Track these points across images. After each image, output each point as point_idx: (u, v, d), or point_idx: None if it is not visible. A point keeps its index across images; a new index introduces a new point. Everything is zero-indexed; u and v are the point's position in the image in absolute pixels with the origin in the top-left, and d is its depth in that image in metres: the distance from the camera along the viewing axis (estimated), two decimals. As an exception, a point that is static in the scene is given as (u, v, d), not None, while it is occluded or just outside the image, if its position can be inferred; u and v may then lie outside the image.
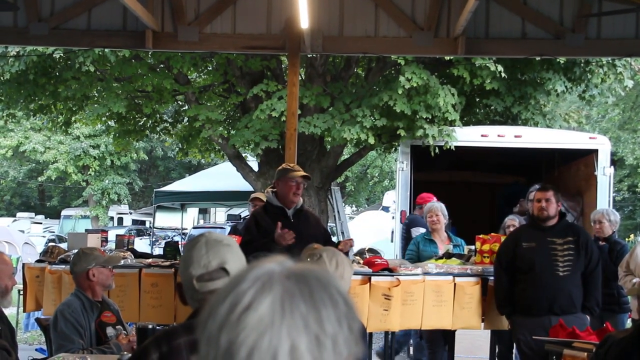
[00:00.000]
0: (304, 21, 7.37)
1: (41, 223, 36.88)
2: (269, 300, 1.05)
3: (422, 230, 8.13)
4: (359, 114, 11.19)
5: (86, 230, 11.36)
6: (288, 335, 1.02)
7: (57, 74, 12.79)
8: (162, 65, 12.77)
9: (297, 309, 1.04)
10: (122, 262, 5.90)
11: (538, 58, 11.04)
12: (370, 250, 7.19)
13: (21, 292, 7.68)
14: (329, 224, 14.77)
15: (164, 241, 15.54)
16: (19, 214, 38.53)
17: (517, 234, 6.46)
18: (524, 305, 6.09)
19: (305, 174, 6.13)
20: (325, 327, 1.04)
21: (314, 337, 1.03)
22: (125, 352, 4.27)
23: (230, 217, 28.96)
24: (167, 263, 6.50)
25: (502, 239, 6.81)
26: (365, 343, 6.22)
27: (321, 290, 1.07)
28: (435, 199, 8.44)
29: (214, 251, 2.63)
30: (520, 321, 6.09)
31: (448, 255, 7.05)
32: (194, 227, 28.98)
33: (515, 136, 10.85)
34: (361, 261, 6.52)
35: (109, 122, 15.08)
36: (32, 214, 38.98)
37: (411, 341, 9.27)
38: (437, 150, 11.11)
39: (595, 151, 10.59)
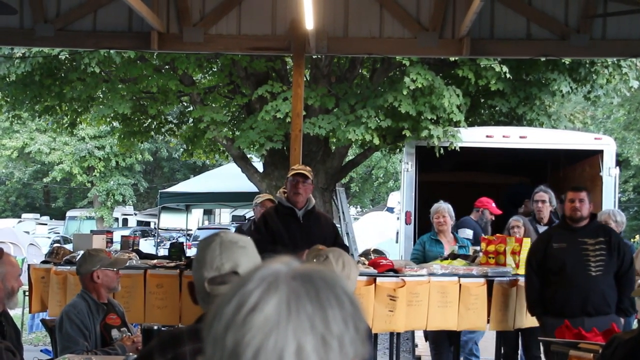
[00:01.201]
0: (309, 22, 7.37)
1: (46, 224, 36.97)
2: (275, 300, 1.05)
3: (469, 232, 8.18)
4: (364, 114, 11.19)
5: (91, 231, 11.39)
6: (294, 335, 1.02)
7: (63, 75, 12.82)
8: (167, 67, 12.79)
9: (303, 309, 1.04)
10: (127, 263, 5.91)
11: (543, 59, 11.02)
12: (376, 251, 7.18)
13: (26, 293, 7.69)
14: (333, 225, 14.73)
15: (169, 242, 15.57)
16: (24, 215, 38.64)
17: (548, 235, 6.40)
18: (555, 306, 6.01)
19: (299, 171, 6.10)
20: (331, 327, 1.04)
21: (320, 338, 1.03)
22: (131, 353, 4.28)
23: (235, 218, 29.02)
24: (172, 264, 6.51)
25: (507, 239, 6.80)
26: (371, 344, 6.21)
27: (327, 290, 1.07)
28: (493, 203, 8.52)
29: (228, 253, 2.51)
30: (552, 322, 5.93)
31: (453, 256, 7.03)
32: (198, 228, 29.06)
33: (520, 137, 10.83)
34: (366, 262, 6.51)
35: (114, 123, 15.12)
36: (37, 215, 39.07)
37: (417, 342, 9.26)
38: (442, 151, 11.10)
39: (601, 152, 10.57)
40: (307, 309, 1.04)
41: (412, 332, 9.27)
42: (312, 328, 1.03)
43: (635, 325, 7.25)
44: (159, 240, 23.32)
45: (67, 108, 13.87)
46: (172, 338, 2.53)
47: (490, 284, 6.46)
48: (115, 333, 4.81)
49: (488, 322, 6.56)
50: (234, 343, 1.04)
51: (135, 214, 37.60)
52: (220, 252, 2.52)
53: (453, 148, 11.01)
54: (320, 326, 1.03)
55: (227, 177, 18.19)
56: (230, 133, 13.03)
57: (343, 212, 14.84)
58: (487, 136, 10.97)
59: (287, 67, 12.79)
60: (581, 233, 6.08)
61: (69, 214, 36.40)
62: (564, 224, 6.31)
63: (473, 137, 11.11)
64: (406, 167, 10.77)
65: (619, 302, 6.01)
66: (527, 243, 6.70)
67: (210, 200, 19.77)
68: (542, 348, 6.50)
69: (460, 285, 6.36)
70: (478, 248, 7.12)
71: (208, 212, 38.04)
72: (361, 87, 12.23)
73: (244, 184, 14.89)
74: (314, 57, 10.99)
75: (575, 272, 5.98)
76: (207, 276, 2.51)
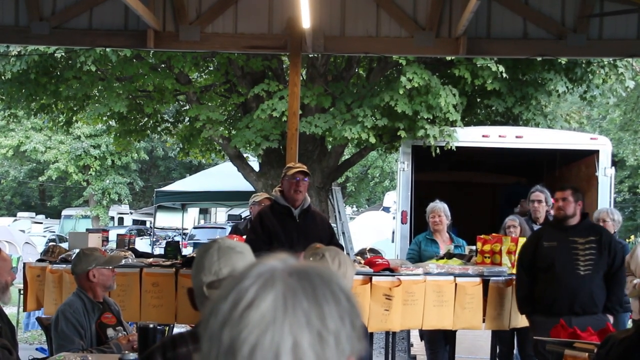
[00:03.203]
0: (306, 21, 7.37)
1: (42, 223, 36.91)
2: (271, 297, 1.04)
3: None
4: (360, 113, 11.19)
5: (87, 229, 11.36)
6: (290, 331, 1.02)
7: (58, 73, 12.80)
8: (163, 65, 12.78)
9: (299, 305, 1.04)
10: (123, 261, 5.89)
11: (539, 58, 11.03)
12: (372, 250, 7.18)
13: (22, 292, 7.67)
14: (329, 224, 14.74)
15: (165, 241, 15.55)
16: (19, 214, 38.54)
17: (539, 234, 6.41)
18: (543, 305, 6.03)
19: (301, 169, 6.10)
20: (327, 323, 1.04)
21: (317, 334, 1.03)
22: (126, 352, 4.27)
23: (230, 217, 29.00)
24: (168, 263, 6.49)
25: (503, 239, 6.81)
26: (367, 341, 6.20)
27: (323, 287, 1.07)
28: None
29: (226, 258, 2.59)
30: (540, 321, 5.99)
31: (449, 256, 7.04)
32: (194, 227, 29.04)
33: (517, 137, 10.84)
34: (362, 261, 6.50)
35: (110, 122, 15.09)
36: (33, 214, 38.99)
37: (413, 342, 9.27)
38: (438, 151, 11.10)
39: (597, 152, 10.58)
40: (303, 305, 1.04)
41: (408, 332, 9.27)
42: (308, 324, 1.03)
43: (629, 325, 7.27)
44: (154, 239, 23.31)
45: (62, 106, 13.86)
46: (174, 339, 2.58)
47: (486, 284, 6.46)
48: (110, 332, 4.80)
49: (484, 321, 6.57)
50: (230, 339, 1.03)
51: (131, 213, 37.56)
52: (219, 257, 2.59)
53: (449, 148, 11.02)
54: (316, 322, 1.03)
55: (223, 176, 18.19)
56: (227, 132, 13.02)
57: (339, 212, 14.84)
58: (483, 136, 10.98)
59: (284, 66, 12.79)
60: (572, 232, 6.10)
61: (64, 212, 36.34)
62: (555, 223, 6.33)
63: (469, 136, 11.12)
64: (402, 166, 10.77)
65: (606, 301, 6.03)
66: (522, 243, 6.71)
67: (206, 199, 19.76)
68: (515, 347, 6.52)
69: (456, 284, 6.37)
70: (474, 247, 7.12)
71: (204, 211, 38.01)
72: (357, 86, 12.24)
73: (240, 183, 14.89)
74: (310, 56, 10.99)
75: (564, 271, 6.00)
76: (205, 281, 2.57)
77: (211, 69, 13.57)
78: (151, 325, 3.95)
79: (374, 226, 20.96)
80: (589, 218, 6.42)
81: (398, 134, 11.15)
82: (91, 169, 32.17)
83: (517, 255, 6.41)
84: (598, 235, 6.12)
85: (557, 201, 6.17)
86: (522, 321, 6.58)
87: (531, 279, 6.15)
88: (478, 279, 6.46)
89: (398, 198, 11.23)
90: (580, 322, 5.56)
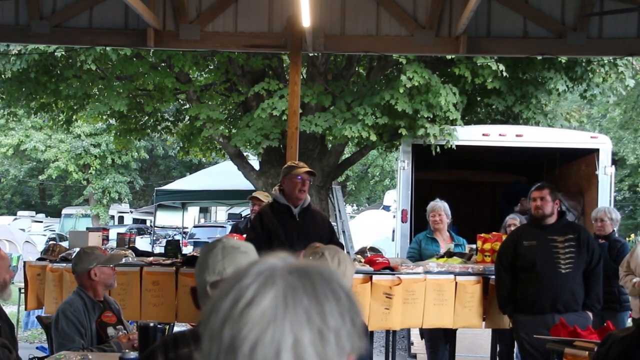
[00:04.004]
0: (306, 20, 7.36)
1: (42, 222, 36.91)
2: (272, 294, 1.04)
3: None
4: (361, 112, 11.19)
5: (87, 228, 11.37)
6: (291, 329, 1.02)
7: (59, 72, 12.80)
8: (163, 64, 12.78)
9: (299, 303, 1.04)
10: (123, 260, 5.90)
11: (539, 57, 11.03)
12: (372, 249, 7.18)
13: (22, 291, 7.68)
14: (329, 223, 14.73)
15: (165, 240, 15.56)
16: (19, 213, 38.56)
17: (518, 233, 6.46)
18: (526, 304, 6.07)
19: (310, 169, 6.11)
20: (328, 321, 1.04)
21: (317, 331, 1.03)
22: (127, 350, 4.27)
23: (231, 216, 28.99)
24: (169, 261, 6.49)
25: (504, 237, 6.81)
26: (367, 339, 6.21)
27: (324, 284, 1.07)
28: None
29: (230, 258, 2.57)
30: (523, 320, 6.06)
31: (449, 254, 7.04)
32: (194, 226, 29.04)
33: (517, 135, 10.84)
34: (362, 260, 6.51)
35: (110, 121, 15.09)
36: (33, 213, 39.00)
37: (413, 340, 9.27)
38: (438, 149, 11.10)
39: (597, 150, 10.58)
40: (303, 303, 1.04)
41: (408, 330, 9.28)
42: (309, 322, 1.03)
43: (629, 323, 7.28)
44: (155, 238, 23.31)
45: (62, 105, 13.85)
46: (176, 338, 2.56)
47: (486, 282, 6.47)
48: (110, 331, 4.81)
49: (484, 320, 6.57)
50: (230, 337, 1.03)
51: (131, 212, 37.56)
52: (223, 257, 2.58)
53: (449, 146, 11.02)
54: (317, 320, 1.03)
55: (223, 174, 18.18)
56: (227, 131, 13.02)
57: (339, 211, 14.84)
58: (484, 134, 10.98)
59: (284, 64, 12.79)
60: (550, 230, 6.12)
61: (64, 211, 36.34)
62: (533, 222, 6.35)
63: (469, 135, 11.12)
64: (402, 165, 10.77)
65: (585, 298, 6.06)
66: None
67: (207, 198, 19.76)
68: (516, 346, 6.53)
69: (456, 283, 6.37)
70: (474, 246, 7.12)
71: (204, 210, 38.02)
72: (358, 85, 12.24)
73: (240, 182, 14.89)
74: (310, 54, 10.98)
75: (545, 270, 6.03)
76: (209, 280, 2.56)
77: (211, 67, 13.57)
78: (151, 324, 3.95)
79: (374, 225, 20.95)
80: (565, 217, 6.45)
81: (398, 132, 11.14)
82: (91, 168, 32.18)
83: (497, 255, 6.42)
84: (576, 233, 6.16)
85: (535, 200, 6.20)
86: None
87: (512, 278, 6.17)
88: (478, 278, 6.46)
89: (398, 197, 11.23)
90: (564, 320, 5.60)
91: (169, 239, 15.55)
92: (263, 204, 7.54)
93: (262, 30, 7.99)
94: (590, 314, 6.11)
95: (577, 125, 18.38)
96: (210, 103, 12.91)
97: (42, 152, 31.37)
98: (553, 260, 6.04)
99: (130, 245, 7.44)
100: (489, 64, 11.22)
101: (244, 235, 6.32)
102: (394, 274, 6.22)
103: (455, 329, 6.69)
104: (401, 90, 10.82)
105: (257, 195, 8.35)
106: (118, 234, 8.07)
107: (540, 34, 7.89)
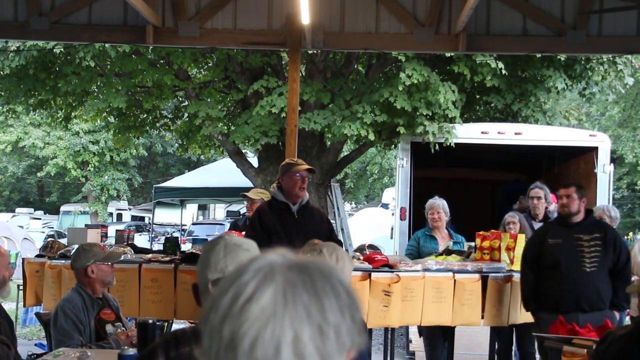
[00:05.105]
0: (305, 17, 7.36)
1: (40, 219, 36.91)
2: (271, 290, 1.04)
3: None
4: (359, 110, 11.18)
5: (86, 225, 11.37)
6: (291, 325, 1.02)
7: (57, 69, 12.78)
8: (162, 61, 12.76)
9: (299, 299, 1.04)
10: (121, 257, 5.89)
11: (539, 55, 11.03)
12: (370, 246, 7.18)
13: (21, 287, 7.67)
14: (328, 221, 14.74)
15: (164, 237, 15.56)
16: (18, 210, 38.54)
17: (544, 231, 6.41)
18: (550, 302, 6.03)
19: (309, 167, 6.10)
20: (327, 317, 1.04)
21: (317, 327, 1.03)
22: (126, 347, 4.27)
23: (229, 214, 29.02)
24: (167, 258, 6.49)
25: (502, 235, 6.81)
26: (367, 336, 6.20)
27: (323, 280, 1.07)
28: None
29: (232, 255, 2.56)
30: (545, 318, 5.96)
31: (448, 252, 7.04)
32: (193, 223, 29.03)
33: (516, 133, 10.85)
34: (361, 257, 6.50)
35: (109, 118, 15.07)
36: (31, 210, 39.00)
37: (412, 338, 9.27)
38: (437, 147, 11.10)
39: (595, 149, 10.59)
40: (303, 299, 1.04)
41: (407, 328, 9.29)
42: (308, 318, 1.03)
43: (627, 321, 7.28)
44: (153, 235, 23.32)
45: (61, 102, 13.84)
46: (177, 336, 2.55)
47: (484, 280, 6.47)
48: (109, 328, 4.80)
49: (482, 317, 6.58)
50: (230, 334, 1.03)
51: (130, 209, 37.56)
52: (225, 254, 2.56)
53: (448, 144, 11.02)
54: (316, 316, 1.03)
55: (222, 172, 18.17)
56: (226, 128, 13.01)
57: (338, 208, 14.83)
58: (483, 132, 10.98)
59: (283, 62, 12.78)
60: (577, 229, 6.09)
61: (63, 208, 36.34)
62: (560, 220, 6.33)
63: (468, 133, 11.12)
64: (401, 163, 10.77)
65: (613, 297, 6.01)
66: (521, 239, 6.71)
67: (205, 195, 19.76)
68: (536, 343, 6.52)
69: (454, 280, 6.37)
70: (473, 244, 7.12)
71: (203, 207, 37.99)
72: (357, 83, 12.23)
73: (238, 179, 14.88)
74: (309, 52, 10.98)
75: (570, 268, 6.00)
76: (211, 278, 2.54)
77: (210, 65, 13.56)
78: (150, 321, 3.95)
79: (373, 222, 20.96)
80: (592, 215, 6.42)
81: (397, 130, 11.14)
82: (90, 165, 32.17)
83: (522, 253, 6.40)
84: (603, 232, 6.12)
85: (562, 198, 6.16)
86: (521, 317, 6.59)
87: (536, 276, 6.15)
88: (477, 275, 6.46)
89: (397, 194, 11.23)
90: (588, 319, 5.56)
91: (168, 236, 15.56)
92: (255, 202, 7.55)
93: (261, 27, 7.98)
94: (617, 314, 6.08)
95: (576, 123, 18.38)
96: (209, 100, 12.90)
97: (41, 149, 31.36)
98: (578, 259, 6.00)
99: (129, 242, 7.44)
100: (488, 61, 11.22)
101: (243, 233, 6.31)
102: (392, 272, 6.22)
103: (454, 327, 6.69)
104: (400, 88, 10.82)
105: (246, 193, 8.28)
106: (117, 231, 8.08)
107: (539, 31, 7.89)
